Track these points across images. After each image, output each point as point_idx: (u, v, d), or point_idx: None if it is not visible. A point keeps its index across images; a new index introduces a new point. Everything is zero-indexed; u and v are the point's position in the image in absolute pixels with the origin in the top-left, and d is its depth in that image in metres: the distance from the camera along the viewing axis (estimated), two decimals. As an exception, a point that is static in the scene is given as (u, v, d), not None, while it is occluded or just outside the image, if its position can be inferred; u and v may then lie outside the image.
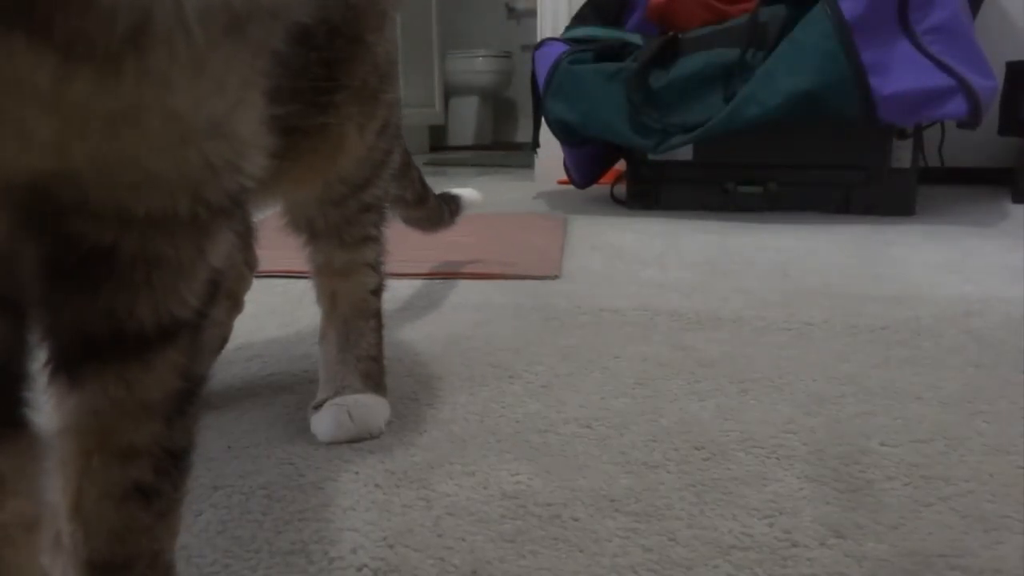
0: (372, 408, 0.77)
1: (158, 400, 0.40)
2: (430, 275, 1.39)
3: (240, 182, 0.37)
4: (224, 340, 0.91)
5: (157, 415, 0.40)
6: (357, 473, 0.69)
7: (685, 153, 2.03)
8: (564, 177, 2.40)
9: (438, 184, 1.23)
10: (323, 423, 0.75)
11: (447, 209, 1.21)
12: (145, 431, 0.40)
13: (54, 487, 0.40)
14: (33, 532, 0.37)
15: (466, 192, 1.27)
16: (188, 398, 0.41)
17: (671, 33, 1.99)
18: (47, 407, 0.40)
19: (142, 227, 0.35)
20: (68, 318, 0.37)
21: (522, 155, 2.79)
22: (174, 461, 0.41)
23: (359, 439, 0.75)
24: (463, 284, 1.35)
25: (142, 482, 0.40)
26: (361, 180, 0.76)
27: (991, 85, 1.75)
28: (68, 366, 0.38)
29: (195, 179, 0.35)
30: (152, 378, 0.39)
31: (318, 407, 0.76)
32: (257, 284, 0.96)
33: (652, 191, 2.12)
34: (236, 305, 0.92)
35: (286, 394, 0.87)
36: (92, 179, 0.32)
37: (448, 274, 1.40)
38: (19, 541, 0.36)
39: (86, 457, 0.39)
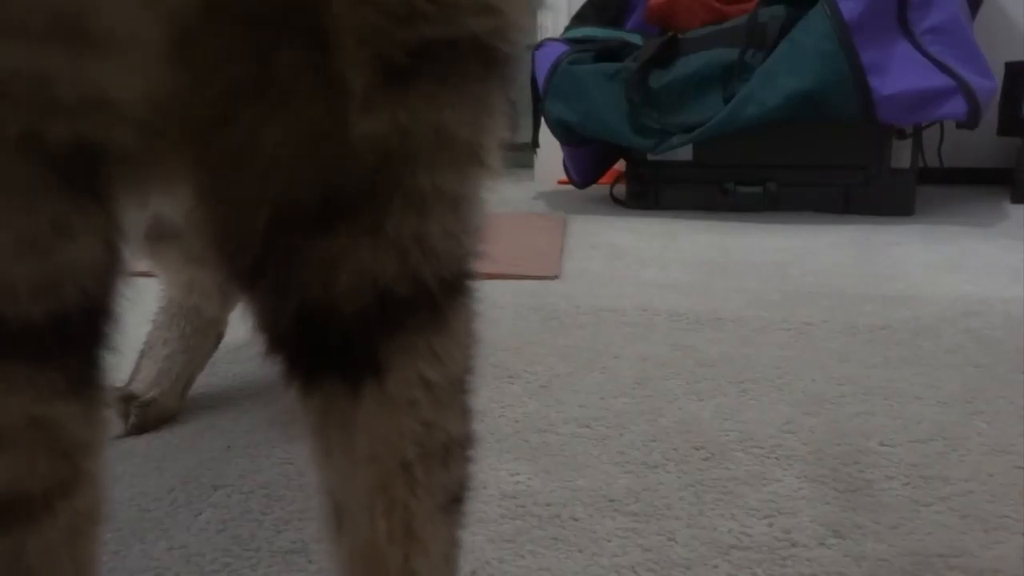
0: None
1: (465, 375, 0.34)
2: (430, 275, 1.39)
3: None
4: (219, 337, 0.91)
5: (463, 395, 0.34)
6: (357, 473, 0.69)
7: (685, 153, 2.03)
8: (564, 177, 2.39)
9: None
10: None
11: None
12: (458, 419, 0.34)
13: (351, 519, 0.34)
14: (98, 525, 0.32)
15: None
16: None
17: (671, 33, 1.99)
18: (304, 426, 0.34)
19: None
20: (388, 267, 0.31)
21: (522, 155, 2.79)
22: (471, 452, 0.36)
23: None
24: (463, 284, 1.34)
25: (464, 483, 0.35)
26: None
27: (990, 85, 1.75)
28: (365, 346, 0.32)
29: None
30: (456, 346, 0.34)
31: None
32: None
33: (652, 191, 2.12)
34: (231, 299, 0.91)
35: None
36: None
37: (448, 274, 1.40)
38: (89, 535, 0.32)
39: (405, 469, 0.33)
